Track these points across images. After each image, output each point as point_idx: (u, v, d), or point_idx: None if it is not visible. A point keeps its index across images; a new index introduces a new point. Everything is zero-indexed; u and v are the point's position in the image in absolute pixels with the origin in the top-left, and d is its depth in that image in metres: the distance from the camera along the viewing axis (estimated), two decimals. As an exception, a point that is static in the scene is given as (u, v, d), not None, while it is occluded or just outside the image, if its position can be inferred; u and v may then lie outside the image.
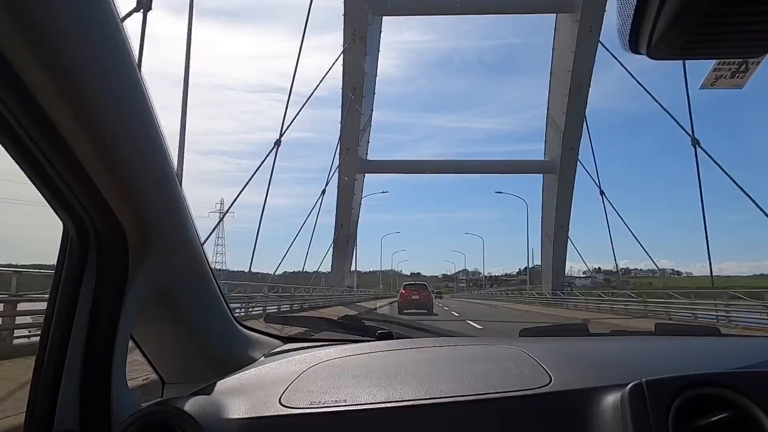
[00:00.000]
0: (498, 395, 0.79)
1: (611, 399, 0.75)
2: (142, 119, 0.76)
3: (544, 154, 32.90)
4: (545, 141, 32.63)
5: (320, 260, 30.35)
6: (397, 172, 39.32)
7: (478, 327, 12.18)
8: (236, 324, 1.15)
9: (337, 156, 29.16)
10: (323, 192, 27.15)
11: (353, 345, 1.11)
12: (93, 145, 0.69)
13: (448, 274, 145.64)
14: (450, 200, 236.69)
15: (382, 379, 0.87)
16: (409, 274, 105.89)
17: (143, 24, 11.33)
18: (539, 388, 0.81)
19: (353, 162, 31.06)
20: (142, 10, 11.26)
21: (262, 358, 1.12)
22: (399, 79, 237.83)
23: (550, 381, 0.82)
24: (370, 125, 33.52)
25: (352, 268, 36.81)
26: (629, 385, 0.74)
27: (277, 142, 19.92)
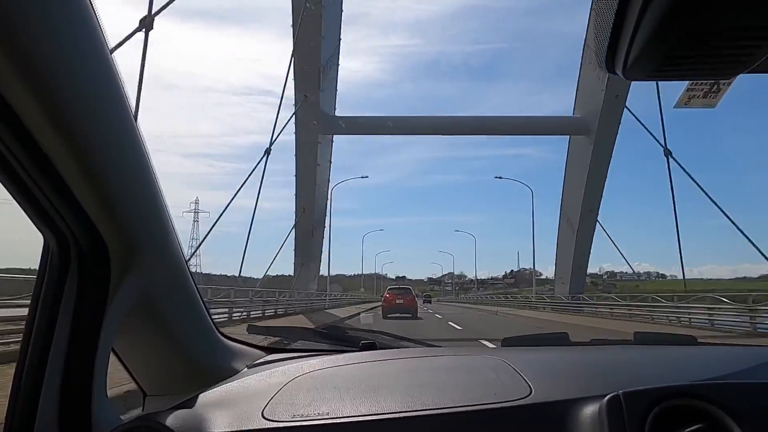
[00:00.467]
0: (479, 407, 0.80)
1: (590, 410, 0.77)
2: (122, 128, 0.75)
3: (573, 110, 25.44)
4: (576, 92, 25.28)
5: (279, 256, 24.53)
6: (378, 132, 30.65)
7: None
8: (219, 335, 1.15)
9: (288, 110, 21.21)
10: (267, 152, 20.00)
11: (337, 356, 1.12)
12: (73, 157, 0.68)
13: (434, 277, 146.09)
14: (436, 203, 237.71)
15: (365, 391, 0.88)
16: (394, 277, 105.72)
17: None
18: (519, 399, 0.82)
19: (314, 115, 22.75)
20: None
21: (245, 369, 1.12)
22: (385, 83, 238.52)
23: (531, 392, 0.84)
24: (337, 72, 24.73)
25: (326, 268, 31.60)
26: (607, 397, 0.76)
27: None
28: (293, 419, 0.81)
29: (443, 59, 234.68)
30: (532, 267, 34.87)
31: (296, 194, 25.82)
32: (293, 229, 26.08)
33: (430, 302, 54.50)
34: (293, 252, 27.22)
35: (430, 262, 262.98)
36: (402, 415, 0.80)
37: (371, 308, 26.28)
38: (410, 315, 19.18)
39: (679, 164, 18.59)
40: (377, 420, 0.80)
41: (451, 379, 0.92)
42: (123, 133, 0.76)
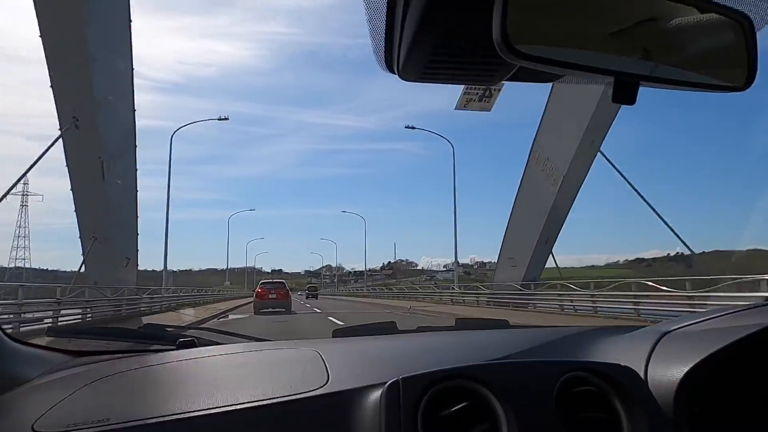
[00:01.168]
0: (273, 401, 0.81)
1: (374, 396, 0.80)
2: None
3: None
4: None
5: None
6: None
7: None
8: (8, 339, 1.09)
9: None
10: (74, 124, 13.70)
11: (149, 356, 1.12)
12: None
13: (312, 270, 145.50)
14: (316, 196, 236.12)
15: (161, 392, 0.89)
16: (269, 270, 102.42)
17: None
18: (313, 390, 0.84)
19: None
20: None
21: (39, 376, 1.06)
22: (263, 71, 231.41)
23: (326, 382, 0.86)
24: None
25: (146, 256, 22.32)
26: (387, 383, 0.80)
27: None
28: (68, 428, 0.78)
29: (323, 51, 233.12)
30: (454, 248, 27.16)
31: (51, 84, 13.70)
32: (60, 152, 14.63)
33: (315, 297, 43.11)
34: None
35: (309, 253, 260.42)
36: (193, 414, 0.79)
37: (236, 306, 23.36)
38: (284, 309, 19.29)
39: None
40: (163, 422, 0.78)
41: (257, 374, 0.95)
42: None
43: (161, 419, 0.78)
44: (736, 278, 10.83)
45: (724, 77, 0.63)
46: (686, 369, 0.83)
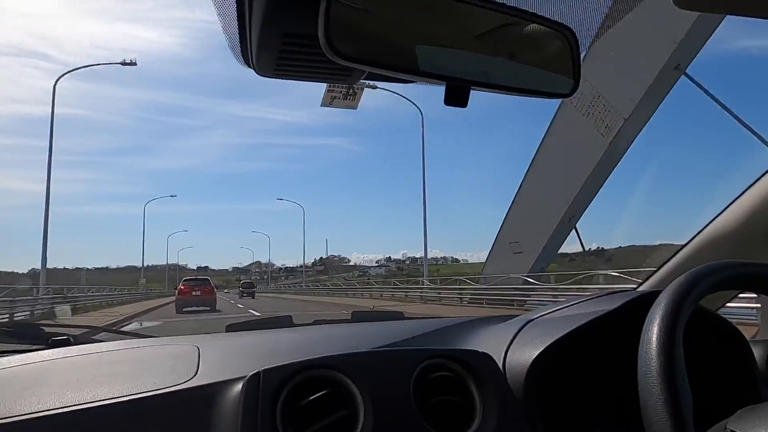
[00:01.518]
0: (132, 397, 0.80)
1: (237, 389, 0.80)
2: None
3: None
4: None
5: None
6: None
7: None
8: None
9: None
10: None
11: (14, 356, 1.05)
12: None
13: (241, 266, 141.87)
14: (247, 190, 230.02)
15: (21, 391, 0.85)
16: (195, 268, 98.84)
17: None
18: (176, 385, 0.83)
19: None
20: None
21: None
22: (188, 60, 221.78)
23: (193, 376, 0.86)
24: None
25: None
26: (248, 375, 0.80)
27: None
28: None
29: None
30: (424, 239, 25.09)
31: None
32: None
33: (252, 296, 35.87)
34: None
35: (240, 248, 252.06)
36: (51, 413, 0.77)
37: (148, 310, 19.63)
38: (209, 308, 18.82)
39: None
40: (16, 422, 0.76)
41: (126, 372, 0.92)
42: None
43: (11, 420, 0.76)
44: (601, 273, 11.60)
45: (552, 84, 0.70)
46: (536, 353, 0.90)
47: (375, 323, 1.47)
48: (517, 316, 1.24)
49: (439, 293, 21.57)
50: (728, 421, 0.64)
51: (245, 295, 36.42)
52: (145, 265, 56.26)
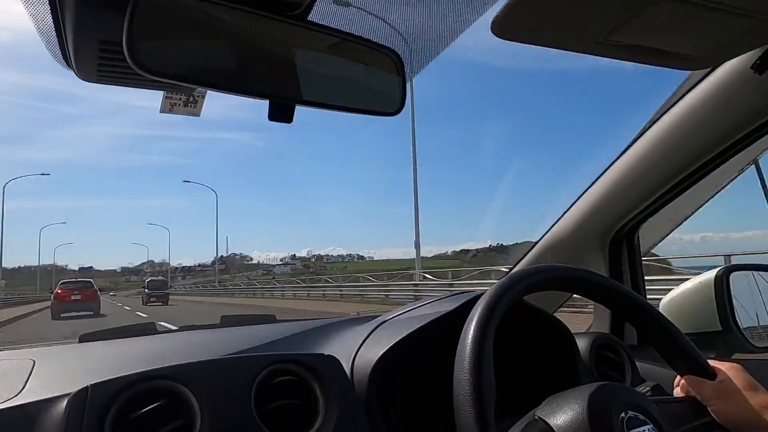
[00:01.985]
0: None
1: (61, 408, 0.75)
2: None
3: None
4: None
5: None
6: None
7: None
8: None
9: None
10: None
11: None
12: None
13: (131, 266, 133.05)
14: (136, 186, 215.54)
15: None
16: (77, 268, 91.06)
17: None
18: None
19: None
20: None
21: None
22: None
23: (17, 394, 0.82)
24: None
25: None
26: (73, 392, 0.75)
27: None
28: None
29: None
30: (416, 231, 22.18)
31: None
32: None
33: (165, 302, 25.83)
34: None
35: (131, 243, 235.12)
36: None
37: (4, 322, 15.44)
38: (92, 313, 17.64)
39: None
40: None
41: None
42: None
43: None
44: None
45: (378, 104, 0.75)
46: (380, 353, 0.95)
47: (243, 327, 1.44)
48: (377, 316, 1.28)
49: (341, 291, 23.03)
50: (537, 409, 0.71)
51: (153, 300, 25.76)
52: (4, 264, 46.95)
